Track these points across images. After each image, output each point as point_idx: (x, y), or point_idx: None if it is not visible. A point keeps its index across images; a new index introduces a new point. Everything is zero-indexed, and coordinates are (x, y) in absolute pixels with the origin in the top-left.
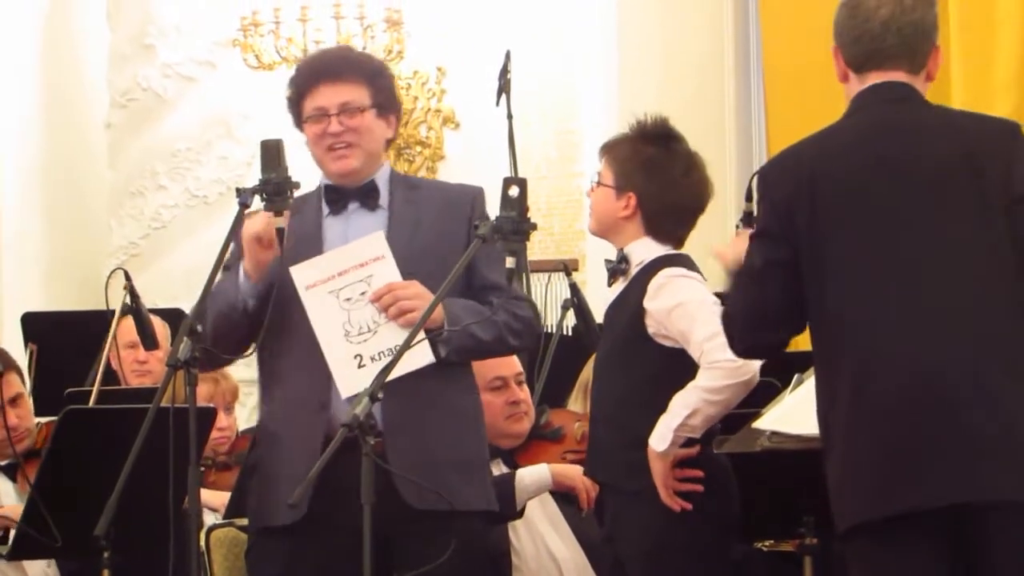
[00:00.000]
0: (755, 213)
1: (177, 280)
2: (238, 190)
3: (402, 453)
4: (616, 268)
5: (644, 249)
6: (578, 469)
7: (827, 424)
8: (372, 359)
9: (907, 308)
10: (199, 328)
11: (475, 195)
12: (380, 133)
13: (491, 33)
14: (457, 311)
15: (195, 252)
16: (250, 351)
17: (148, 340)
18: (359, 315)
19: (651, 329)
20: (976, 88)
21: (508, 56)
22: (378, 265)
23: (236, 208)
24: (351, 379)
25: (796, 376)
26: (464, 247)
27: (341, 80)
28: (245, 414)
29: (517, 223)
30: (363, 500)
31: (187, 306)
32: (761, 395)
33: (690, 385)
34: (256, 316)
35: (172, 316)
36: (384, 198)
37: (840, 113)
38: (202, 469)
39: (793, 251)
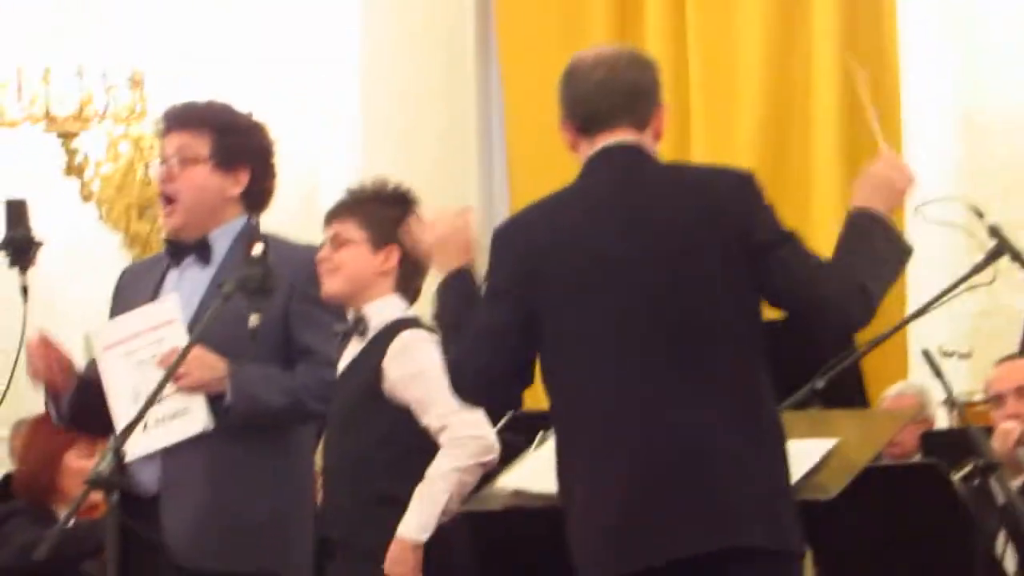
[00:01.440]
0: (487, 272)
1: None
2: None
3: (172, 512)
4: (352, 329)
5: (385, 308)
6: None
7: (565, 484)
8: (157, 421)
9: (640, 372)
10: None
11: (307, 259)
12: (216, 187)
13: (237, 96)
14: (245, 376)
15: None
16: None
17: None
18: (148, 379)
19: (387, 392)
20: (717, 149)
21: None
22: (168, 329)
23: None
24: (134, 443)
25: (540, 433)
26: (280, 308)
27: (182, 128)
28: None
29: (261, 281)
30: (108, 557)
31: None
32: (505, 453)
33: (441, 468)
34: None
35: None
36: (220, 254)
37: None
38: None
39: (524, 313)
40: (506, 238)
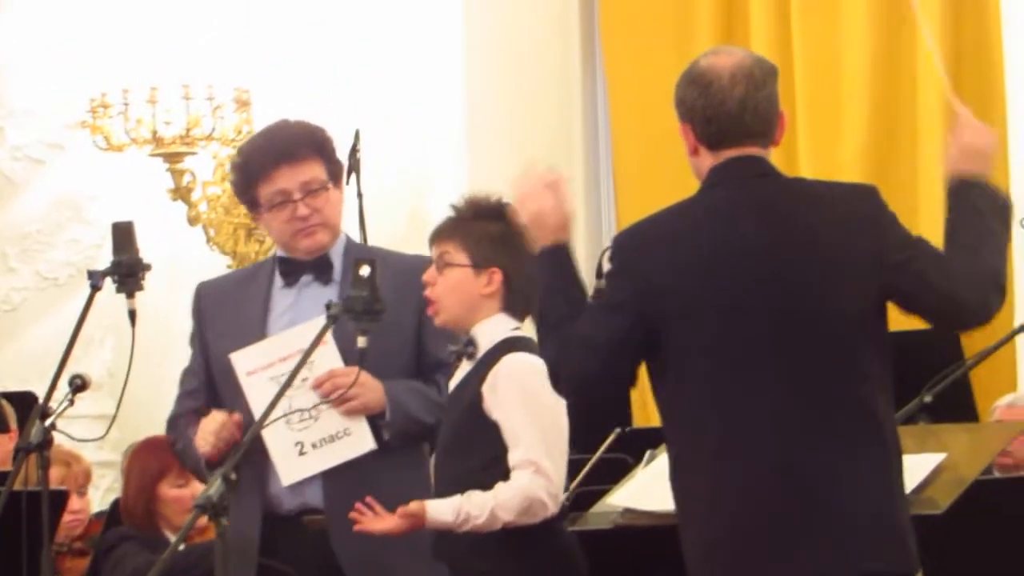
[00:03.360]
0: (606, 281)
1: (28, 363)
2: (90, 272)
3: (349, 537)
4: (462, 352)
5: (492, 328)
6: None
7: (681, 503)
8: (313, 446)
9: (765, 392)
10: (50, 411)
11: (425, 267)
12: (339, 203)
13: (341, 112)
14: (400, 396)
15: (46, 335)
16: (104, 434)
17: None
18: (300, 402)
19: (488, 416)
20: (823, 161)
21: (357, 135)
22: (320, 351)
23: (87, 290)
24: (292, 466)
25: (648, 452)
26: (413, 323)
27: (297, 160)
28: (98, 496)
29: (368, 303)
30: None
31: (39, 389)
32: (613, 471)
33: (498, 513)
34: None
35: (24, 399)
36: (338, 271)
37: (689, 189)
38: (56, 554)
39: (641, 326)
40: (630, 251)
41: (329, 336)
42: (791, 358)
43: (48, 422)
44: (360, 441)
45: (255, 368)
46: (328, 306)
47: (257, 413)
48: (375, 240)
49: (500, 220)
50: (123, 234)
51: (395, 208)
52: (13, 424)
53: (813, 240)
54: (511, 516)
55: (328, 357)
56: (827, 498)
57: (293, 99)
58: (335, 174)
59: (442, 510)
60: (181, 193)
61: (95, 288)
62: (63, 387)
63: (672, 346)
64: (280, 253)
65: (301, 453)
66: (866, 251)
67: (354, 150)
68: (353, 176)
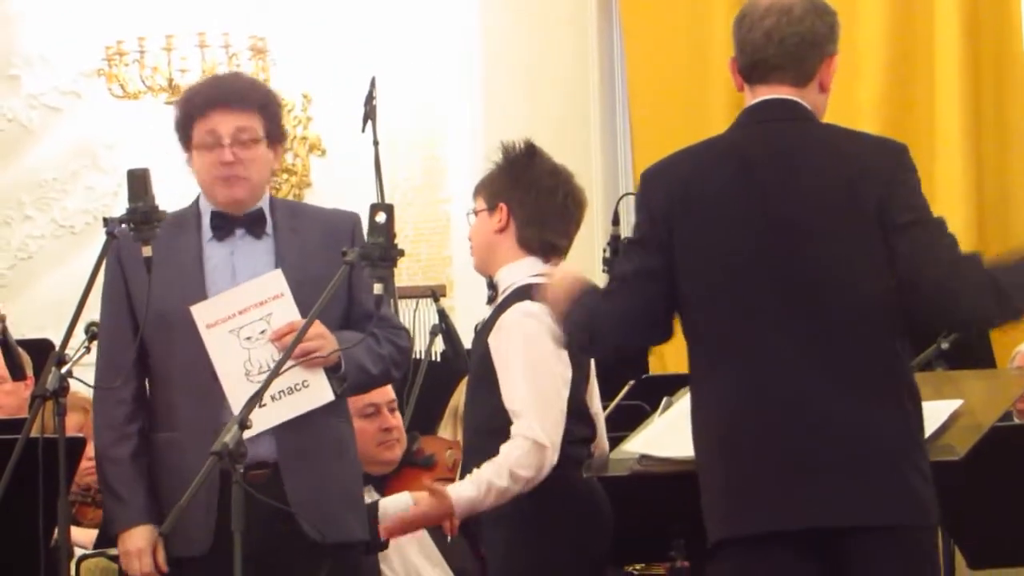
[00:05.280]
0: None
1: (45, 310)
2: (105, 219)
3: (300, 487)
4: (489, 295)
5: (513, 272)
6: None
7: (700, 445)
8: (272, 398)
9: (775, 335)
10: (66, 358)
11: (354, 221)
12: (268, 164)
13: (356, 60)
14: (352, 349)
15: (62, 282)
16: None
17: (17, 371)
18: (259, 354)
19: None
20: (841, 108)
21: (373, 83)
22: (277, 303)
23: (103, 238)
24: (253, 418)
25: (665, 399)
26: (343, 276)
27: (236, 107)
28: None
29: (385, 249)
30: (233, 527)
31: (55, 336)
32: (630, 418)
33: (505, 464)
34: None
35: (40, 346)
36: (270, 225)
37: (705, 134)
38: (76, 504)
39: (665, 261)
40: (650, 186)
41: (286, 288)
42: (797, 304)
43: (64, 369)
44: (319, 392)
45: (215, 321)
46: (344, 253)
47: (218, 365)
48: (391, 186)
49: (510, 161)
50: (139, 181)
51: (410, 155)
52: (29, 371)
53: (823, 188)
54: (529, 472)
55: (286, 309)
56: (840, 449)
57: (308, 47)
58: (273, 135)
59: (463, 486)
60: None
61: (111, 235)
62: (79, 334)
63: (685, 282)
64: (212, 206)
65: (260, 405)
66: (872, 204)
67: (370, 97)
68: (369, 123)
